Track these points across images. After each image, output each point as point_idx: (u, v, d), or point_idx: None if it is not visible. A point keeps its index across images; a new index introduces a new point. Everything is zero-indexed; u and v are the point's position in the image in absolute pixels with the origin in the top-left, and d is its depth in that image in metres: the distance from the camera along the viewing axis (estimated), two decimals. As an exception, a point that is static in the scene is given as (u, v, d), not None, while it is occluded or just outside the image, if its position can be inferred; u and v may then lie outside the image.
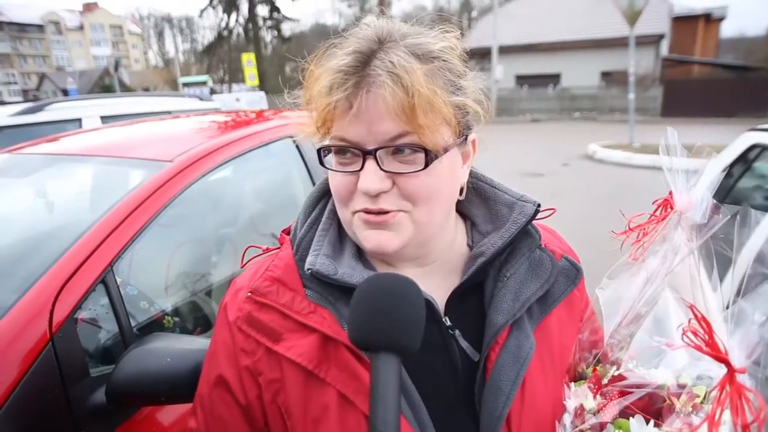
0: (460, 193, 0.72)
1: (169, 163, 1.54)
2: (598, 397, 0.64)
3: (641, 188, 7.98)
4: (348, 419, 0.63)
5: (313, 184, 2.10)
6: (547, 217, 0.76)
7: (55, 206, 1.86)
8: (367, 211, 0.64)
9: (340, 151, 0.65)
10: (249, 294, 0.69)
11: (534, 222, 0.74)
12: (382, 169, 0.63)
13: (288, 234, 0.76)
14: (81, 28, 77.51)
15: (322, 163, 0.67)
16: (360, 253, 0.72)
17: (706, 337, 0.56)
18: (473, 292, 0.72)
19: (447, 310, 0.71)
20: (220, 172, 1.78)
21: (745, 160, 2.48)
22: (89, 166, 1.83)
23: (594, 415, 0.62)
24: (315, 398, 0.64)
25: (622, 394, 0.62)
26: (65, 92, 30.35)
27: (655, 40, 23.63)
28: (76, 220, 1.51)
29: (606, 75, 24.25)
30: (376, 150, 0.62)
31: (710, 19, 30.34)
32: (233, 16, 35.16)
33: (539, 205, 0.72)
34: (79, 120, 3.67)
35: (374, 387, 0.53)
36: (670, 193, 0.69)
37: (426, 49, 0.63)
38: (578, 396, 0.66)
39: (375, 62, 0.60)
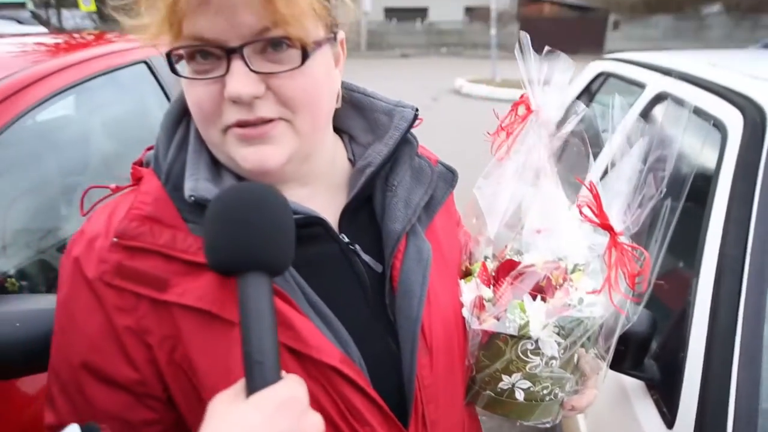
0: (336, 101, 0.67)
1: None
2: (491, 287, 0.70)
3: (503, 120, 8.66)
4: None
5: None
6: (417, 125, 0.76)
7: None
8: (243, 124, 0.56)
9: (197, 54, 0.54)
10: (115, 240, 0.57)
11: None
12: (252, 70, 0.54)
13: (142, 165, 0.65)
14: None
15: (174, 70, 0.56)
16: (240, 178, 0.64)
17: (597, 210, 0.66)
18: (363, 207, 0.71)
19: (341, 227, 0.68)
20: (58, 109, 1.50)
21: (590, 89, 2.79)
22: None
23: (493, 305, 0.68)
24: (223, 343, 0.57)
25: (514, 280, 0.68)
26: None
27: (512, -23, 24.85)
28: None
29: (469, 11, 25.10)
30: (242, 47, 0.53)
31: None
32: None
33: (417, 110, 0.71)
34: None
35: (245, 314, 0.47)
36: (525, 95, 0.74)
37: None
38: (471, 290, 0.71)
39: None
